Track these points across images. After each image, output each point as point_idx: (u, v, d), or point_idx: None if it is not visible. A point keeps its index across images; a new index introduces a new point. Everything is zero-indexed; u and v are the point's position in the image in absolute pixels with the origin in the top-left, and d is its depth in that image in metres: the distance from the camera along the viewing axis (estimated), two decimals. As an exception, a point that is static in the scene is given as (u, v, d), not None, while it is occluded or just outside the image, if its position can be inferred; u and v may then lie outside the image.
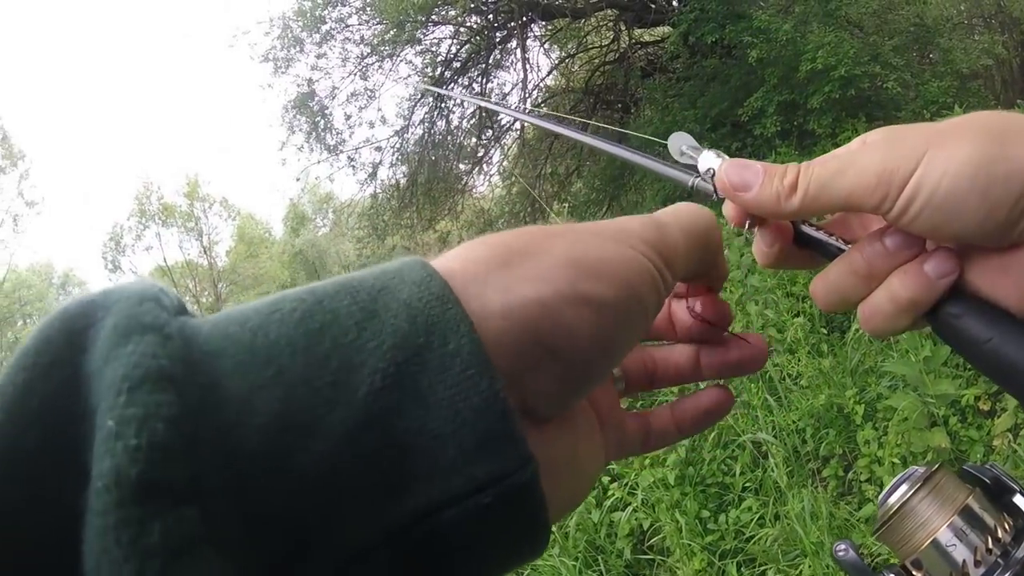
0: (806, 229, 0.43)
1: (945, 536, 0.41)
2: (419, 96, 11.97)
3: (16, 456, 0.18)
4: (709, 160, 0.45)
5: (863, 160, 0.38)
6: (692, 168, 0.47)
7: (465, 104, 12.33)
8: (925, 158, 0.35)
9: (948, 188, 0.35)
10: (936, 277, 0.37)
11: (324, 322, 0.22)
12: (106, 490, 0.17)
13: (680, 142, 0.47)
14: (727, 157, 0.44)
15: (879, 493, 2.59)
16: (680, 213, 0.35)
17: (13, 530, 0.17)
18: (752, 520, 2.96)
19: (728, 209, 0.44)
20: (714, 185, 0.43)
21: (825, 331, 3.99)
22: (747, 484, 3.21)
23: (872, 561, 2.34)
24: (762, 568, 2.77)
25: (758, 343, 0.40)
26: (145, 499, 0.17)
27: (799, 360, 3.65)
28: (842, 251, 0.41)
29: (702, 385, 0.41)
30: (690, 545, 2.97)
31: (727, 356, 0.40)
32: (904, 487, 0.44)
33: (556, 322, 0.25)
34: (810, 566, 2.54)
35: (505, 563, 0.25)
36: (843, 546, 0.47)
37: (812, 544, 2.61)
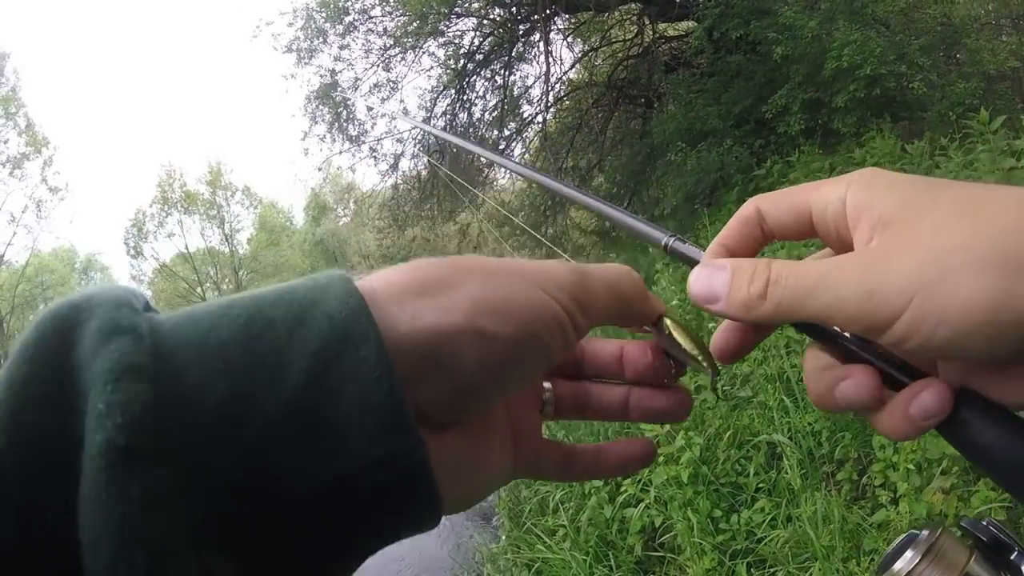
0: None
1: None
2: (441, 88, 11.97)
3: (21, 429, 0.23)
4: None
5: (841, 285, 0.33)
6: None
7: (487, 96, 12.33)
8: (915, 302, 0.31)
9: (944, 338, 0.31)
10: (922, 420, 0.34)
11: (263, 327, 0.27)
12: (99, 455, 0.22)
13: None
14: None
15: (892, 498, 2.58)
16: (607, 269, 0.39)
17: (17, 488, 0.23)
18: (764, 521, 2.96)
19: (715, 337, 0.44)
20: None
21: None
22: (760, 485, 3.20)
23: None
24: (772, 570, 2.76)
25: (685, 396, 0.44)
26: (128, 462, 0.22)
27: (816, 362, 3.62)
28: (851, 348, 0.38)
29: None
30: (701, 544, 2.97)
31: (656, 402, 0.43)
32: (909, 554, 0.43)
33: (450, 348, 0.30)
34: (820, 570, 2.54)
35: (398, 527, 0.30)
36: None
37: (823, 548, 2.60)
